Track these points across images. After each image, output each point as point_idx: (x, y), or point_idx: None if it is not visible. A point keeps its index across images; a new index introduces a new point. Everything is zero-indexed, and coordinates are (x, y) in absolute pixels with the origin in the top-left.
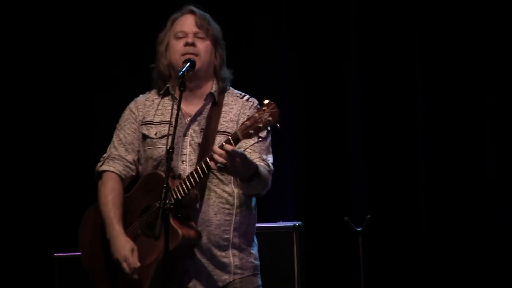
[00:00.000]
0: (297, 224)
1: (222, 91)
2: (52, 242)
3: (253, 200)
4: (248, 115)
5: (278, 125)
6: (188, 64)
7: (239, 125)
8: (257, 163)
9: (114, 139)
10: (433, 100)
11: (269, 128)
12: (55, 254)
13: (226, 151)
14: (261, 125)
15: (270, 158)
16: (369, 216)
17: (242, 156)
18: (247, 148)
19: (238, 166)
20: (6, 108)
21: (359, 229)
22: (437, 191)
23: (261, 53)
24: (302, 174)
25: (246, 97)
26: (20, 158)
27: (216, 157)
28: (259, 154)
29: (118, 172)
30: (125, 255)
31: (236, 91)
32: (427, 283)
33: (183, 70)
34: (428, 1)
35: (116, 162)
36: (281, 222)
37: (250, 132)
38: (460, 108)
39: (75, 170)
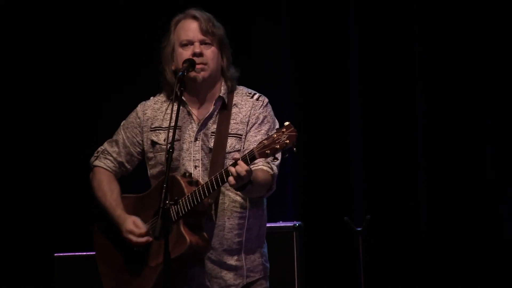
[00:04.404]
0: (297, 224)
1: (230, 91)
2: (52, 242)
3: (264, 201)
4: (269, 132)
5: (295, 149)
6: (188, 64)
7: (257, 143)
8: (261, 166)
9: (114, 136)
10: (433, 100)
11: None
12: (55, 254)
13: (247, 171)
14: (278, 146)
15: (276, 161)
16: (369, 216)
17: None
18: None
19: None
20: (7, 109)
21: (359, 229)
22: (437, 191)
23: (261, 54)
24: (302, 174)
25: (256, 95)
26: (21, 158)
27: (239, 169)
28: None
29: (108, 169)
30: (129, 228)
31: (246, 89)
32: (427, 283)
33: (182, 70)
34: (428, 1)
35: (107, 159)
36: (281, 222)
37: (267, 152)
38: (460, 107)
39: (76, 171)
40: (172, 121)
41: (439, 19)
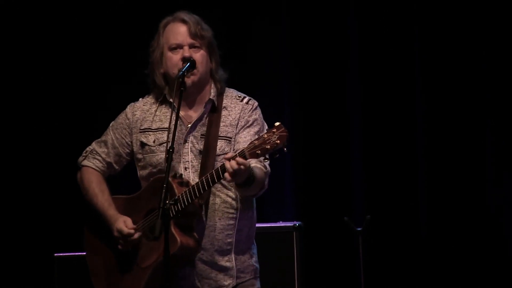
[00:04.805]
0: (297, 224)
1: (220, 93)
2: (52, 242)
3: (254, 202)
4: (258, 135)
5: (285, 149)
6: (188, 64)
7: (247, 143)
8: (254, 164)
9: (103, 136)
10: (433, 100)
11: (275, 150)
12: (55, 254)
13: (244, 165)
14: (268, 146)
15: (267, 160)
16: (369, 216)
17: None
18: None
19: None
20: (7, 109)
21: (359, 229)
22: (437, 191)
23: (261, 54)
24: (302, 174)
25: (246, 99)
26: (21, 158)
27: (233, 164)
28: None
29: (97, 169)
30: (119, 227)
31: (236, 92)
32: (427, 283)
33: (183, 70)
34: (428, 1)
35: (96, 159)
36: (281, 222)
37: (257, 152)
38: (460, 107)
39: (76, 171)
40: (170, 122)
41: (439, 19)
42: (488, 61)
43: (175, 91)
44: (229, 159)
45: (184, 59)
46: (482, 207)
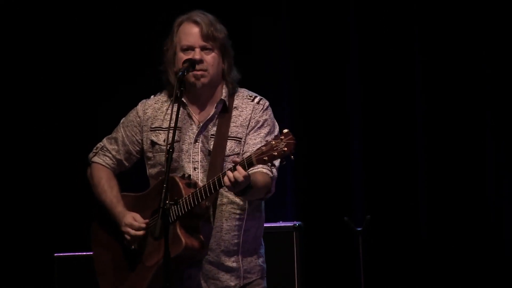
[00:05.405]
0: (297, 224)
1: (231, 94)
2: (52, 242)
3: (262, 202)
4: (266, 140)
5: (292, 157)
6: (188, 64)
7: (255, 149)
8: (260, 168)
9: (113, 133)
10: (433, 100)
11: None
12: (55, 254)
13: (245, 177)
14: (275, 153)
15: (275, 163)
16: (369, 216)
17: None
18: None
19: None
20: (7, 109)
21: (359, 229)
22: (437, 191)
23: (261, 54)
24: (302, 174)
25: (257, 98)
26: (21, 158)
27: (236, 175)
28: None
29: (107, 166)
30: (128, 222)
31: (247, 92)
32: (427, 283)
33: (182, 70)
34: (428, 1)
35: (106, 156)
36: (281, 222)
37: (264, 158)
38: (460, 108)
39: (75, 171)
40: (172, 122)
41: (439, 19)
42: (488, 61)
43: (174, 92)
44: (232, 170)
45: (185, 61)
46: (482, 208)
